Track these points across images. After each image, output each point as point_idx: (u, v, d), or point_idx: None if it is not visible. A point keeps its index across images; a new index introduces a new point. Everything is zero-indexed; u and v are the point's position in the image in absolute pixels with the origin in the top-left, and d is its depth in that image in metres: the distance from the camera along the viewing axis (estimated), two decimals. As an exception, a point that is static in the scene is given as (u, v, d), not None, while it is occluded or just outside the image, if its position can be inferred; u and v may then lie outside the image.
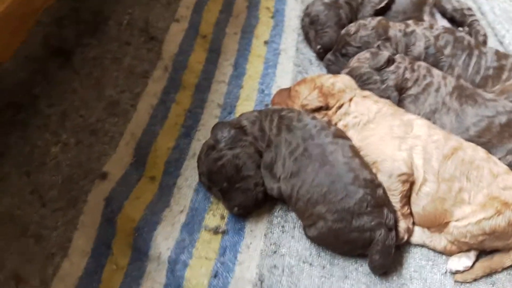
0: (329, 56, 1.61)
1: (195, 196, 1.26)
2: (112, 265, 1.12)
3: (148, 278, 1.11)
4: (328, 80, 1.36)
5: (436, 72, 1.43)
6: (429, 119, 1.35)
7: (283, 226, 1.23)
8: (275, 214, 1.26)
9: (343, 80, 1.36)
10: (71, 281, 1.09)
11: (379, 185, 1.16)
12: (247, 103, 1.52)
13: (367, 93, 1.35)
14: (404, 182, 1.19)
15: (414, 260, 1.22)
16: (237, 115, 1.48)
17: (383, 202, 1.14)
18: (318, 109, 1.33)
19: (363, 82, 1.41)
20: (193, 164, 1.33)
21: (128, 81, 1.52)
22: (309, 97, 1.33)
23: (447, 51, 1.51)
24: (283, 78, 1.61)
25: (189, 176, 1.30)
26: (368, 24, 1.53)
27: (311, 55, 1.72)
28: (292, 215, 1.25)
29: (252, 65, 1.64)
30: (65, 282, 1.08)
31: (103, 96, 1.46)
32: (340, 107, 1.31)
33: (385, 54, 1.42)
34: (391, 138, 1.22)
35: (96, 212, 1.18)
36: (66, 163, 1.27)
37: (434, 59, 1.51)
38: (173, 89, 1.52)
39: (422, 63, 1.44)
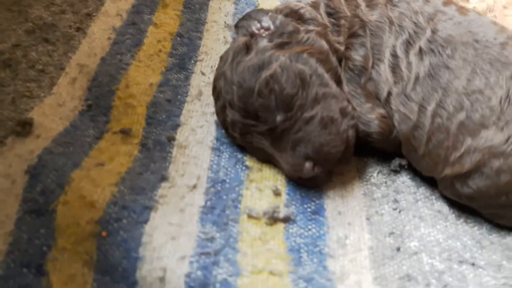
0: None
1: (217, 159, 0.64)
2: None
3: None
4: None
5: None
6: None
7: (396, 201, 0.63)
8: (373, 181, 0.65)
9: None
10: None
11: None
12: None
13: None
14: None
15: None
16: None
17: None
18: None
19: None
20: (201, 109, 0.72)
21: (70, -2, 0.90)
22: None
23: None
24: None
25: (198, 127, 0.68)
26: None
27: None
28: (406, 180, 0.65)
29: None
30: None
31: (27, 19, 0.83)
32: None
33: None
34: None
35: (9, 194, 0.53)
36: None
37: None
38: (148, 8, 0.92)
39: None
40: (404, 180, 0.66)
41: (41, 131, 0.61)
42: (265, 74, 0.57)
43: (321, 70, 0.60)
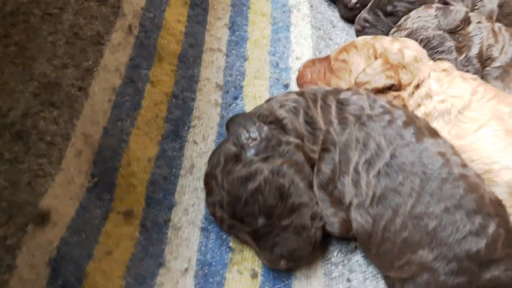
0: (365, 14, 1.14)
1: (205, 241, 0.76)
2: None
3: None
4: (392, 44, 0.90)
5: (522, 35, 1.02)
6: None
7: (349, 280, 0.78)
8: (333, 260, 0.80)
9: (412, 45, 0.91)
10: None
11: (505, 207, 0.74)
12: (258, 83, 1.03)
13: (446, 64, 0.92)
14: (532, 200, 0.78)
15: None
16: (246, 101, 0.98)
17: (517, 236, 0.73)
18: (385, 90, 0.87)
19: (431, 50, 0.98)
20: (193, 184, 0.83)
21: (72, 50, 0.95)
22: (369, 70, 0.87)
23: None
24: (301, 46, 1.12)
25: (190, 206, 0.80)
26: (423, -32, 1.08)
27: (330, 14, 1.25)
28: (359, 259, 0.80)
29: (255, 27, 1.14)
30: None
31: (32, 75, 0.89)
32: (418, 86, 0.86)
33: (461, 9, 0.98)
34: (506, 134, 0.80)
35: (35, 285, 0.64)
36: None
37: (508, 22, 1.10)
38: (145, 60, 0.98)
39: (498, 23, 1.03)
40: (358, 259, 0.81)
41: (57, 217, 0.71)
42: (251, 186, 0.69)
43: (297, 180, 0.72)
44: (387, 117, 0.75)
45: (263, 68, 1.05)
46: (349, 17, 1.21)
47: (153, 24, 1.04)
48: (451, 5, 1.01)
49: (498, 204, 0.72)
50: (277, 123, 0.75)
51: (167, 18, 1.07)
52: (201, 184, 0.82)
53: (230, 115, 0.95)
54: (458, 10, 0.98)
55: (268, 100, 0.82)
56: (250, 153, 0.71)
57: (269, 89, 1.02)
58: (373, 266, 0.80)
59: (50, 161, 0.78)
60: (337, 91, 0.80)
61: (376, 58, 0.88)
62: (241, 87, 1.00)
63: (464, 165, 0.73)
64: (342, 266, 0.79)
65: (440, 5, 1.01)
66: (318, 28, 1.18)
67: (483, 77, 0.98)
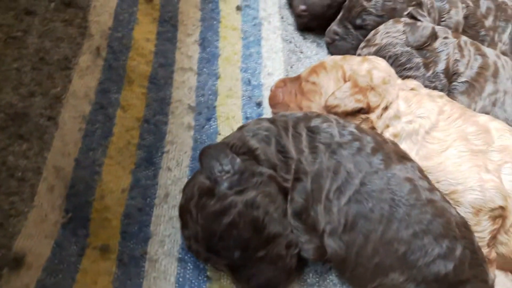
0: (335, 27, 1.15)
1: (183, 271, 0.77)
2: None
3: None
4: (361, 65, 0.91)
5: (486, 49, 1.05)
6: (487, 113, 0.98)
7: (324, 301, 0.80)
8: (308, 281, 0.82)
9: (381, 66, 0.93)
10: None
11: (471, 228, 0.78)
12: (231, 102, 1.03)
13: (414, 83, 0.94)
14: (495, 218, 0.81)
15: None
16: (219, 121, 0.99)
17: (482, 256, 0.76)
18: (354, 113, 0.89)
19: (399, 66, 0.99)
20: (168, 213, 0.83)
21: (39, 76, 0.93)
22: (338, 94, 0.88)
23: (488, 22, 1.14)
24: (272, 61, 1.12)
25: (166, 237, 0.81)
26: (391, -18, 1.09)
27: (302, 25, 1.25)
28: (334, 279, 0.82)
29: (226, 42, 1.14)
30: None
31: (-3, 106, 0.87)
32: (386, 108, 0.89)
33: (428, 26, 1.00)
34: (471, 155, 0.83)
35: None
36: None
37: (474, 33, 1.13)
38: (114, 84, 0.97)
39: (463, 37, 1.06)
40: (333, 278, 0.83)
41: (32, 259, 0.71)
42: (226, 220, 0.70)
43: (271, 210, 0.73)
44: (356, 144, 0.77)
45: (235, 86, 1.05)
46: (300, 25, 1.21)
47: (121, 45, 1.02)
48: (419, 20, 1.03)
49: (463, 226, 0.75)
50: (250, 153, 0.76)
51: (136, 37, 1.06)
52: (176, 213, 0.82)
53: (204, 137, 0.96)
54: (425, 27, 0.99)
55: (240, 128, 0.82)
56: (224, 186, 0.72)
57: (242, 108, 1.02)
58: (347, 286, 0.82)
59: (22, 199, 0.77)
60: (307, 118, 0.81)
61: (345, 80, 0.90)
62: (214, 107, 1.00)
63: (431, 189, 0.76)
64: (318, 287, 0.81)
65: (408, 20, 1.03)
66: (289, 41, 1.18)
67: (450, 92, 1.00)
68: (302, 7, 1.18)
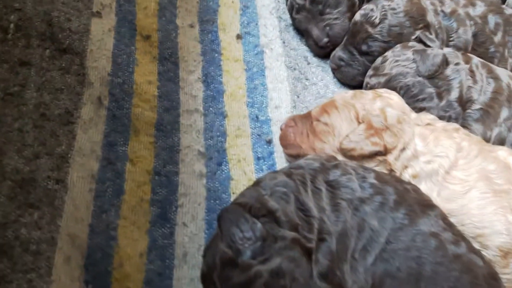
0: (340, 53, 1.12)
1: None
2: None
3: None
4: (373, 104, 0.89)
5: (498, 70, 1.03)
6: (503, 142, 0.97)
7: None
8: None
9: (394, 102, 0.90)
10: None
11: (499, 278, 0.77)
12: (240, 142, 1.00)
13: (428, 117, 0.91)
14: (523, 261, 0.80)
15: None
16: (231, 165, 0.96)
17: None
18: (371, 155, 0.86)
19: (411, 98, 0.97)
20: (189, 274, 0.82)
21: (42, 134, 0.90)
22: (353, 137, 0.86)
23: (498, 37, 1.11)
24: (278, 92, 1.10)
25: (189, 299, 0.79)
26: (396, 6, 1.06)
27: (304, 49, 1.22)
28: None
29: (230, 76, 1.10)
30: None
31: (4, 174, 0.84)
32: (403, 148, 0.86)
33: (439, 53, 0.97)
34: (494, 196, 0.82)
35: None
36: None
37: (483, 50, 1.10)
38: (120, 135, 0.94)
39: (475, 58, 1.03)
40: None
41: None
42: (252, 292, 0.68)
43: (297, 275, 0.71)
44: (378, 198, 0.75)
45: (243, 124, 1.02)
46: (320, 54, 1.18)
47: (123, 91, 0.99)
48: (428, 46, 1.00)
49: (492, 278, 0.73)
50: (270, 215, 0.73)
51: (137, 80, 1.02)
52: (197, 274, 0.80)
53: (217, 185, 0.93)
54: (436, 54, 0.96)
55: (255, 185, 0.79)
56: (247, 256, 0.70)
57: (252, 147, 1.00)
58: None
59: (39, 275, 0.75)
60: (325, 170, 0.79)
61: (358, 120, 0.87)
62: (224, 150, 0.98)
63: (456, 242, 0.74)
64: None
65: (416, 46, 1.00)
66: (293, 68, 1.15)
67: (464, 119, 0.98)
68: (325, 39, 1.14)
